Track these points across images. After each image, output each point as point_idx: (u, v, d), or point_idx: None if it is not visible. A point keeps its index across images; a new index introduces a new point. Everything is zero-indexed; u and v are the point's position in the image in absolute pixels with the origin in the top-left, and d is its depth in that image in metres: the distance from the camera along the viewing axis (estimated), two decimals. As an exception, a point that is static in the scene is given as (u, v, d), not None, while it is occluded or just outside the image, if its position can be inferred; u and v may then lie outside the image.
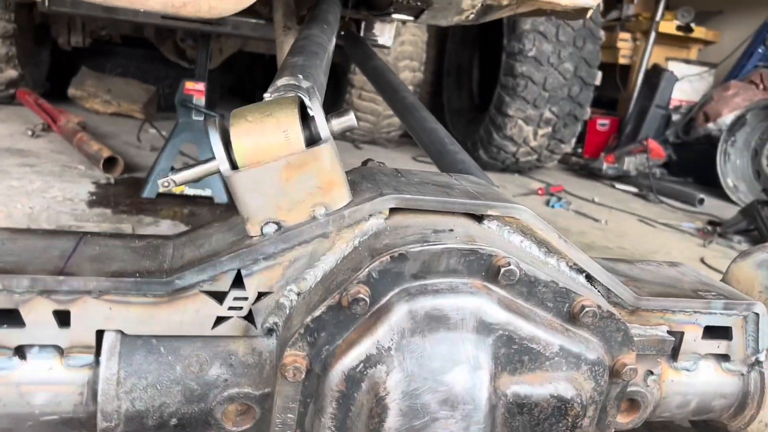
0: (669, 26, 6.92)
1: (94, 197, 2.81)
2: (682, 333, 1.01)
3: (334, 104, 5.67)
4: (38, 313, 0.77)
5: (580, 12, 2.18)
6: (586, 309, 0.85)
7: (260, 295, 0.83)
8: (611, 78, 7.19)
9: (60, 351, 0.80)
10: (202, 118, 3.00)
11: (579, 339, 0.87)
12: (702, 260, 3.17)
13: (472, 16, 2.12)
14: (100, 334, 0.80)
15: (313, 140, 0.82)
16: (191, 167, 0.84)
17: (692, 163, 5.92)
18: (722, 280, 1.17)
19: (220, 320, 0.83)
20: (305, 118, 0.83)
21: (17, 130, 4.02)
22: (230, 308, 0.83)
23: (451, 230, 0.83)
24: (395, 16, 2.33)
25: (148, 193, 2.90)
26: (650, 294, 1.00)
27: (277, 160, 0.80)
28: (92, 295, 0.77)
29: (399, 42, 5.10)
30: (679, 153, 6.17)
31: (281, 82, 1.05)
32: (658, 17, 6.89)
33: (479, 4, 2.05)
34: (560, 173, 5.63)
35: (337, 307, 0.78)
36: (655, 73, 6.41)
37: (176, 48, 5.23)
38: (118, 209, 2.70)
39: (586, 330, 0.88)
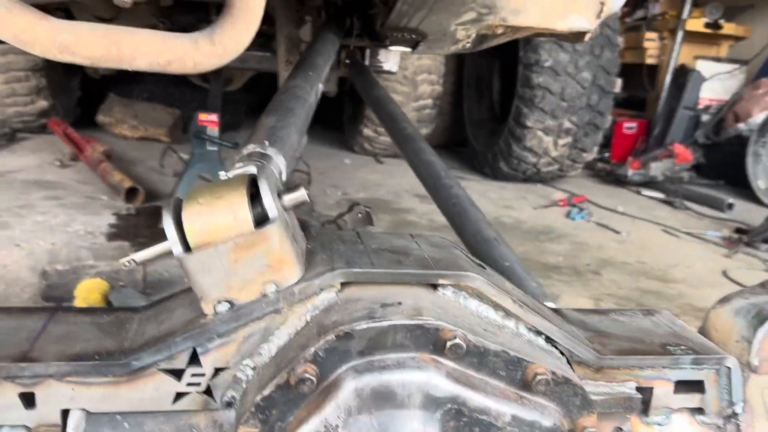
0: (697, 24, 6.76)
1: (114, 229, 2.90)
2: (652, 388, 1.00)
3: (354, 118, 5.72)
4: (5, 397, 0.81)
5: (578, 35, 2.16)
6: (539, 377, 0.86)
7: (217, 371, 0.86)
8: (639, 79, 7.07)
9: (28, 430, 0.84)
10: (216, 149, 3.06)
11: (534, 406, 0.87)
12: (725, 273, 3.10)
13: (469, 45, 2.12)
14: (65, 412, 0.84)
15: (264, 218, 0.85)
16: (150, 247, 0.87)
17: (723, 164, 5.77)
18: (701, 326, 1.15)
19: (179, 396, 0.86)
20: (258, 195, 0.86)
21: (46, 160, 4.18)
22: (189, 384, 0.86)
23: (400, 303, 0.85)
24: (392, 48, 2.35)
25: (166, 223, 2.97)
26: (616, 351, 0.99)
27: (225, 242, 0.82)
28: (55, 378, 0.81)
29: (417, 56, 5.12)
30: (709, 155, 6.02)
31: (247, 149, 1.09)
32: (685, 15, 6.75)
33: (474, 34, 2.06)
34: (585, 180, 5.55)
35: (286, 385, 0.80)
36: (682, 74, 6.28)
37: (210, 71, 5.35)
38: (137, 242, 2.78)
39: (542, 396, 0.88)
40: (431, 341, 0.83)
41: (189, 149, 3.42)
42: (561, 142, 4.58)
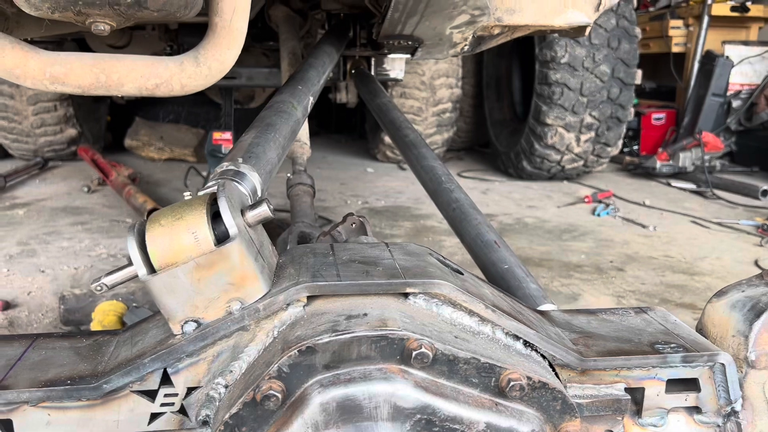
0: (723, 8, 6.58)
1: (136, 251, 2.95)
2: (643, 389, 0.97)
3: (377, 126, 5.72)
4: (-18, 424, 0.83)
5: (578, 30, 2.13)
6: (513, 383, 0.84)
7: (190, 390, 0.86)
8: (666, 69, 6.91)
9: (9, 456, 0.85)
10: (232, 165, 3.10)
11: (510, 413, 0.85)
12: (756, 263, 2.99)
13: (467, 47, 2.11)
14: (44, 437, 0.85)
15: (226, 236, 0.85)
16: (118, 270, 0.89)
17: (757, 150, 5.58)
18: (699, 321, 1.11)
19: (154, 416, 0.87)
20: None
21: (75, 187, 4.30)
22: (162, 404, 0.86)
23: (365, 315, 0.84)
24: (392, 55, 2.35)
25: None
26: (601, 352, 0.96)
27: (187, 262, 0.83)
28: (29, 404, 0.83)
29: (433, 60, 5.10)
30: (742, 141, 5.84)
31: (221, 167, 1.10)
32: (709, 0, 6.56)
33: (470, 36, 2.04)
34: (613, 175, 5.44)
35: (252, 403, 0.80)
36: (709, 60, 6.11)
37: (221, 90, 5.44)
38: (158, 261, 2.83)
39: (518, 402, 0.86)
40: (397, 351, 0.82)
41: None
42: (583, 137, 4.50)
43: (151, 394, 0.86)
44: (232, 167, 1.06)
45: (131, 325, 0.99)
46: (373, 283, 0.87)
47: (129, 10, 1.22)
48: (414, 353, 0.81)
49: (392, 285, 0.88)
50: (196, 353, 0.85)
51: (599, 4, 2.02)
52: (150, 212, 3.32)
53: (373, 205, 4.11)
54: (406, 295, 0.90)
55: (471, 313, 0.91)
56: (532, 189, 4.75)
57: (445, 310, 0.91)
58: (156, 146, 5.34)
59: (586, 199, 4.28)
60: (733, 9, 6.56)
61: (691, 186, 4.91)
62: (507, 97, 5.52)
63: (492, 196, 4.48)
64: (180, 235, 0.84)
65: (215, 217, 0.86)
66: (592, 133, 4.51)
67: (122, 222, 3.42)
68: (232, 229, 0.84)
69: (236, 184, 1.02)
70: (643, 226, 3.67)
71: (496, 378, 0.85)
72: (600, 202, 4.22)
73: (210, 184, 1.02)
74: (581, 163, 4.74)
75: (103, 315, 1.98)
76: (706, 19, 6.59)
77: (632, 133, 6.39)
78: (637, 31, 4.35)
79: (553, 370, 0.95)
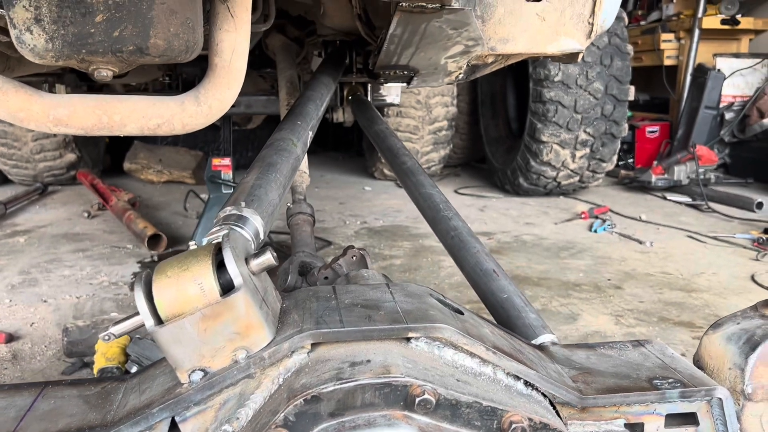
0: (713, 21, 6.66)
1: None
2: (642, 424, 0.99)
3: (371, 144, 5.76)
4: (-6, 477, 0.84)
5: (571, 56, 2.16)
6: (514, 425, 0.86)
7: (197, 437, 0.88)
8: (659, 82, 6.97)
9: (20, 508, 0.87)
10: (231, 191, 3.13)
11: (513, 454, 0.87)
12: (753, 278, 3.02)
13: (462, 75, 2.14)
14: (55, 488, 0.87)
15: (231, 285, 0.87)
16: (125, 319, 0.90)
17: (751, 162, 5.62)
18: (696, 353, 1.13)
19: (163, 464, 0.88)
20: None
21: (76, 212, 4.32)
22: (171, 452, 0.88)
23: (369, 361, 0.86)
24: (388, 84, 2.38)
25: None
26: (600, 389, 0.98)
27: (193, 313, 0.85)
28: (40, 457, 0.84)
29: (428, 79, 5.15)
30: (736, 152, 5.88)
31: (224, 212, 1.12)
32: (700, 13, 6.65)
33: (465, 65, 2.07)
34: (609, 189, 5.48)
35: (259, 451, 0.81)
36: (701, 73, 6.17)
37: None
38: (159, 288, 2.84)
39: (521, 444, 0.88)
40: (401, 398, 0.84)
41: (210, 192, 3.50)
42: (578, 154, 4.54)
43: (159, 443, 0.87)
44: (235, 212, 1.08)
45: (138, 372, 1.01)
46: (376, 329, 0.89)
47: (131, 57, 1.25)
48: (417, 399, 0.83)
49: (394, 330, 0.90)
50: (204, 401, 0.87)
51: (591, 32, 2.05)
52: (150, 238, 3.33)
53: (371, 225, 4.13)
54: (408, 338, 0.92)
55: (472, 354, 0.93)
56: (529, 205, 4.78)
57: (446, 352, 0.93)
58: (155, 169, 5.37)
59: (583, 215, 4.31)
60: (723, 22, 6.64)
61: (687, 199, 4.94)
62: (502, 114, 5.56)
63: (490, 213, 4.50)
64: (186, 285, 0.86)
65: (220, 266, 0.88)
66: (587, 150, 4.55)
67: (123, 248, 3.43)
68: (237, 280, 0.86)
69: (239, 229, 1.04)
70: (640, 242, 3.70)
71: (498, 421, 0.87)
72: (597, 217, 4.25)
73: (214, 229, 1.04)
74: (577, 178, 4.78)
75: (107, 347, 2.00)
76: (697, 32, 6.67)
77: (627, 147, 6.43)
78: (629, 48, 4.40)
79: (554, 407, 0.97)
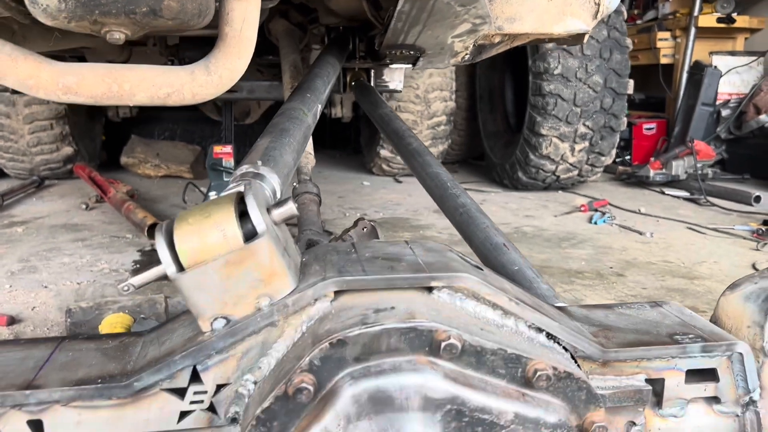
0: (709, 19, 6.69)
1: (138, 266, 2.95)
2: (663, 379, 0.99)
3: (372, 140, 5.77)
4: (13, 425, 0.83)
5: (576, 38, 2.17)
6: (539, 373, 0.85)
7: (219, 387, 0.87)
8: (655, 80, 7.00)
9: (38, 457, 0.85)
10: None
11: (537, 403, 0.86)
12: (753, 266, 3.03)
13: (468, 56, 2.14)
14: (74, 437, 0.86)
15: (253, 233, 0.86)
16: (146, 271, 0.89)
17: (748, 158, 5.65)
18: (713, 314, 1.13)
19: (184, 414, 0.87)
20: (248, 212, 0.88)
21: (73, 204, 4.29)
22: (192, 402, 0.87)
23: (393, 308, 0.85)
24: (393, 66, 2.38)
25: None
26: (621, 343, 0.98)
27: (216, 259, 0.84)
28: (60, 404, 0.83)
29: (428, 74, 5.16)
30: (733, 149, 5.91)
31: (241, 170, 1.11)
32: (696, 12, 6.68)
33: (471, 45, 2.07)
34: (607, 184, 5.49)
35: (284, 396, 0.80)
36: (697, 71, 6.20)
37: (216, 107, 5.45)
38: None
39: (545, 392, 0.87)
40: (426, 343, 0.83)
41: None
42: (578, 147, 4.55)
43: (180, 392, 0.86)
44: (251, 169, 1.07)
45: (156, 326, 1.00)
46: (399, 278, 0.89)
47: (144, 19, 1.24)
48: (443, 344, 0.82)
49: (418, 279, 0.89)
50: (226, 350, 0.86)
51: (597, 12, 2.06)
52: (151, 227, 3.32)
53: (372, 217, 4.12)
54: (430, 290, 0.91)
55: (494, 306, 0.92)
56: (528, 199, 4.78)
57: (468, 303, 0.92)
58: (152, 163, 5.34)
59: (582, 208, 4.31)
60: (719, 20, 6.67)
61: (685, 194, 4.96)
62: (500, 109, 5.57)
63: (489, 207, 4.50)
64: (209, 232, 0.85)
65: (242, 216, 0.88)
66: (587, 143, 4.56)
67: (122, 238, 3.41)
68: (260, 226, 0.85)
69: (259, 183, 1.03)
70: (640, 233, 3.70)
71: (522, 368, 0.86)
72: (596, 210, 4.26)
73: (232, 185, 1.03)
74: (576, 172, 4.79)
75: (111, 328, 1.98)
76: (693, 30, 6.70)
77: (624, 144, 6.45)
78: (628, 41, 4.42)
79: (575, 362, 0.96)
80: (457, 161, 6.50)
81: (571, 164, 4.65)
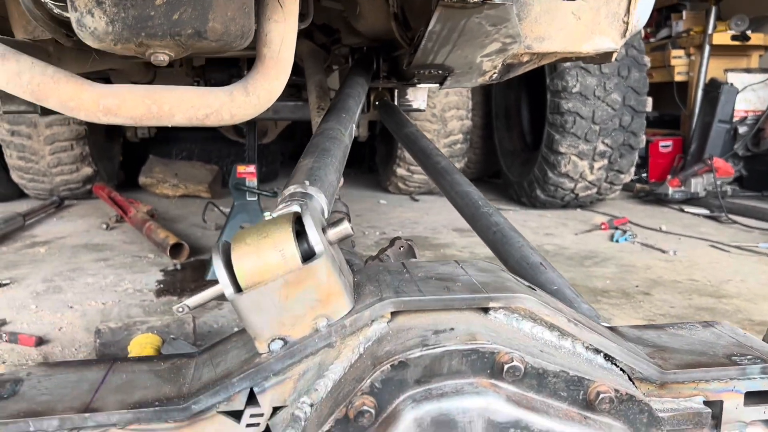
0: (723, 37, 6.69)
1: (161, 285, 2.95)
2: (721, 401, 0.97)
3: (388, 158, 5.78)
4: (71, 448, 0.82)
5: (605, 56, 2.17)
6: (602, 395, 0.84)
7: (275, 410, 0.86)
8: (670, 97, 6.99)
9: (95, 480, 0.85)
10: (255, 199, 3.13)
11: (600, 426, 0.85)
12: (782, 285, 2.99)
13: (496, 75, 2.14)
14: (130, 460, 0.85)
15: (311, 253, 0.86)
16: (202, 291, 0.89)
17: (766, 175, 5.62)
18: (766, 335, 1.11)
19: (239, 437, 0.86)
20: (304, 232, 0.87)
21: (94, 224, 4.31)
22: (248, 425, 0.86)
23: (452, 329, 0.84)
24: (420, 85, 2.39)
25: (211, 275, 3.03)
26: (679, 365, 0.96)
27: (275, 279, 0.83)
28: (118, 427, 0.82)
29: (444, 93, 5.18)
30: (751, 166, 5.88)
31: (288, 190, 1.11)
32: (710, 30, 6.69)
33: (500, 64, 2.08)
34: (625, 202, 5.46)
35: (345, 419, 0.79)
36: (714, 88, 6.19)
37: (234, 127, 5.50)
38: (184, 296, 2.82)
39: (607, 415, 0.85)
40: (488, 365, 0.82)
41: (229, 203, 3.50)
42: (597, 165, 4.54)
43: (236, 415, 0.85)
44: (300, 189, 1.07)
45: (207, 347, 0.99)
46: (457, 298, 0.88)
47: (189, 41, 1.25)
48: (506, 367, 0.81)
49: (476, 300, 0.88)
50: (283, 371, 0.85)
51: (626, 30, 2.06)
52: (173, 247, 3.32)
53: (390, 236, 4.10)
54: (486, 310, 0.90)
55: (551, 327, 0.91)
56: (546, 217, 4.76)
57: (525, 324, 0.91)
58: (170, 183, 5.37)
59: (603, 226, 4.29)
60: (733, 38, 6.67)
61: (705, 211, 4.93)
62: (517, 127, 5.58)
63: (508, 225, 4.48)
64: (267, 253, 0.84)
65: (297, 236, 0.87)
66: (605, 161, 4.54)
67: (144, 257, 3.42)
68: (318, 246, 0.85)
69: (313, 203, 1.03)
70: (663, 251, 3.67)
71: (584, 391, 0.85)
72: (617, 228, 4.23)
73: (282, 205, 1.03)
74: (595, 190, 4.77)
75: (140, 348, 1.97)
76: (707, 48, 6.70)
77: (640, 161, 6.43)
78: (646, 59, 4.42)
79: (633, 384, 0.95)
80: (473, 179, 6.50)
81: (590, 182, 4.63)
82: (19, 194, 5.18)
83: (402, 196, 5.75)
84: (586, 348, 0.92)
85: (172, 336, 2.03)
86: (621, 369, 0.94)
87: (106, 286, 2.92)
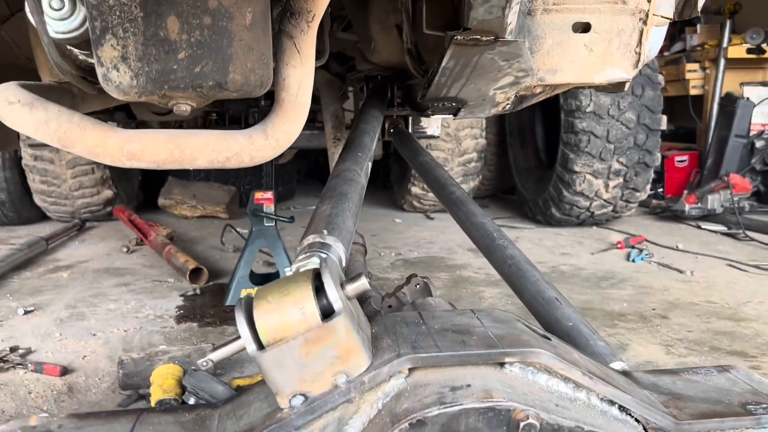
0: (739, 50, 6.67)
1: (182, 311, 3.00)
2: (736, 451, 0.98)
3: (402, 177, 5.81)
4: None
5: (617, 86, 2.18)
6: (616, 450, 0.85)
7: (297, 463, 0.88)
8: (684, 111, 6.97)
9: None
10: (273, 224, 3.17)
11: (614, 480, 0.86)
12: (802, 307, 2.96)
13: (509, 106, 2.17)
14: None
15: (330, 310, 0.88)
16: (224, 346, 0.92)
17: (786, 190, 5.58)
18: (782, 379, 1.11)
19: (262, 491, 0.89)
20: (323, 287, 0.90)
21: (114, 248, 4.38)
22: (270, 478, 0.88)
23: (469, 386, 0.86)
24: (434, 117, 2.42)
25: (230, 300, 3.07)
26: (694, 414, 0.97)
27: (296, 337, 0.86)
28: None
29: (458, 112, 5.20)
30: (769, 181, 5.85)
31: (307, 240, 1.14)
32: (725, 43, 6.67)
33: (513, 96, 2.10)
34: (641, 219, 5.44)
35: (365, 475, 0.82)
36: (730, 102, 6.16)
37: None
38: (204, 321, 2.86)
39: (622, 469, 0.87)
40: (504, 422, 0.84)
41: (247, 224, 3.55)
42: (612, 183, 4.53)
43: (259, 469, 0.88)
44: (318, 239, 1.10)
45: (229, 399, 1.02)
46: (474, 354, 0.90)
47: (210, 92, 1.29)
48: (521, 424, 0.83)
49: (492, 355, 0.90)
50: (304, 427, 0.88)
51: (638, 61, 2.07)
52: (192, 272, 3.37)
53: (406, 257, 4.14)
54: (502, 363, 0.92)
55: (566, 379, 0.93)
56: (562, 235, 4.76)
57: (540, 377, 0.93)
58: (189, 204, 5.45)
59: (619, 245, 4.28)
60: (749, 51, 6.65)
61: (722, 228, 4.89)
62: (531, 145, 5.59)
63: (524, 244, 4.49)
64: (288, 310, 0.87)
65: (316, 290, 0.90)
66: (621, 179, 4.54)
67: (164, 282, 3.47)
68: (337, 304, 0.87)
69: (326, 256, 1.05)
70: (680, 271, 3.66)
71: (599, 445, 0.86)
72: (633, 247, 4.22)
73: (300, 257, 1.06)
74: (610, 208, 4.76)
75: (162, 379, 2.01)
76: (722, 62, 6.68)
77: (656, 176, 6.41)
78: (660, 78, 4.43)
79: (647, 434, 0.96)
80: (487, 196, 6.52)
81: (605, 200, 4.63)
82: (42, 217, 5.27)
83: (417, 214, 5.77)
84: (601, 400, 0.94)
85: (193, 368, 2.06)
86: (636, 419, 0.95)
87: (127, 312, 2.97)
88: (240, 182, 5.98)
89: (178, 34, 1.23)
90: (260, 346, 0.88)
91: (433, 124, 3.07)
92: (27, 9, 1.32)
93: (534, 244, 4.51)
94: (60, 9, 1.26)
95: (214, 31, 1.24)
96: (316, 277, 0.92)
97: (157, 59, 1.23)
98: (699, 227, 5.03)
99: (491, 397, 0.84)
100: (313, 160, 7.84)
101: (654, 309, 3.00)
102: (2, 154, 4.85)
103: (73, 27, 1.26)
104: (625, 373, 1.10)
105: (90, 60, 1.38)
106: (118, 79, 1.23)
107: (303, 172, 7.70)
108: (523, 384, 0.90)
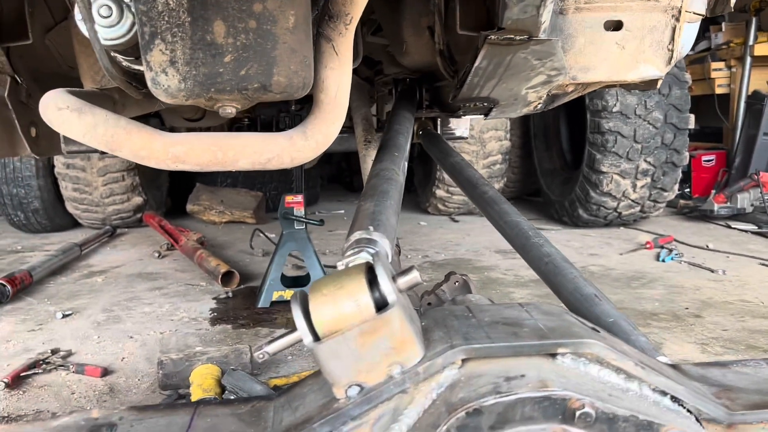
0: (765, 48, 6.58)
1: (215, 314, 3.04)
2: (791, 442, 0.97)
3: (426, 180, 5.83)
4: (164, 491, 0.88)
5: (650, 83, 2.18)
6: (672, 439, 0.86)
7: (353, 453, 0.90)
8: (711, 110, 6.89)
9: None
10: (303, 227, 3.20)
11: (670, 469, 0.87)
12: (840, 305, 2.92)
13: (540, 105, 2.18)
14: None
15: (383, 302, 0.90)
16: (280, 338, 0.94)
17: (817, 188, 5.48)
18: (832, 371, 1.11)
19: (319, 480, 0.90)
20: (375, 279, 0.92)
21: (146, 253, 4.45)
22: (327, 468, 0.90)
23: (523, 376, 0.87)
24: (463, 118, 2.43)
25: (262, 303, 3.11)
26: (746, 405, 0.97)
27: (351, 329, 0.88)
28: (208, 471, 0.88)
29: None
30: (800, 179, 5.74)
31: (354, 236, 1.16)
32: (751, 41, 6.59)
33: (544, 95, 2.11)
34: (669, 219, 5.39)
35: (422, 464, 0.83)
36: (757, 100, 6.08)
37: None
38: (238, 323, 2.90)
39: (677, 458, 0.87)
40: (560, 411, 0.85)
41: (274, 229, 3.59)
42: (639, 183, 4.50)
43: (317, 458, 0.90)
44: (365, 236, 1.12)
45: (284, 391, 1.04)
46: (526, 345, 0.91)
47: (255, 94, 1.32)
48: (577, 413, 0.83)
49: (545, 346, 0.91)
50: (360, 416, 0.89)
51: (671, 58, 2.07)
52: (224, 276, 3.41)
53: (433, 259, 4.15)
54: (553, 355, 0.93)
55: (618, 370, 0.93)
56: (590, 237, 4.74)
57: (592, 368, 0.93)
58: (217, 210, 5.52)
59: (648, 245, 4.25)
60: (776, 48, 6.56)
61: (752, 227, 4.83)
62: (556, 147, 5.57)
63: (551, 246, 4.47)
64: (343, 303, 0.89)
65: (369, 284, 0.92)
66: (648, 179, 4.51)
67: (197, 286, 3.52)
68: (391, 297, 0.89)
69: (376, 251, 1.07)
70: (712, 271, 3.62)
71: (654, 434, 0.87)
72: (662, 247, 4.18)
73: (349, 252, 1.08)
74: (638, 208, 4.73)
75: (202, 378, 2.04)
76: (748, 60, 6.60)
77: (683, 176, 6.34)
78: (687, 76, 4.39)
79: (700, 425, 0.96)
80: (512, 198, 6.50)
81: (633, 200, 4.60)
82: (73, 224, 5.38)
83: (441, 217, 5.78)
84: (653, 390, 0.94)
85: (231, 367, 2.09)
86: (688, 410, 0.95)
87: (162, 315, 3.02)
88: (266, 188, 6.05)
89: (224, 37, 1.26)
90: (316, 338, 0.90)
91: (461, 126, 3.09)
92: (77, 17, 1.36)
93: (562, 245, 4.49)
94: (108, 16, 1.29)
95: (258, 34, 1.28)
96: (368, 271, 0.94)
97: (204, 63, 1.26)
98: (729, 226, 4.97)
99: (547, 386, 0.85)
100: (334, 165, 7.90)
101: (687, 308, 2.97)
102: (36, 163, 4.96)
103: (121, 33, 1.30)
104: (672, 366, 1.10)
105: (134, 66, 1.42)
106: (166, 82, 1.27)
107: (325, 177, 7.76)
108: (576, 374, 0.91)
